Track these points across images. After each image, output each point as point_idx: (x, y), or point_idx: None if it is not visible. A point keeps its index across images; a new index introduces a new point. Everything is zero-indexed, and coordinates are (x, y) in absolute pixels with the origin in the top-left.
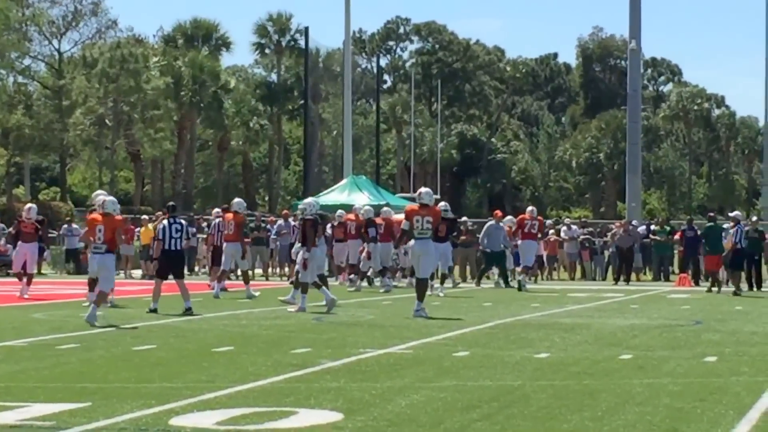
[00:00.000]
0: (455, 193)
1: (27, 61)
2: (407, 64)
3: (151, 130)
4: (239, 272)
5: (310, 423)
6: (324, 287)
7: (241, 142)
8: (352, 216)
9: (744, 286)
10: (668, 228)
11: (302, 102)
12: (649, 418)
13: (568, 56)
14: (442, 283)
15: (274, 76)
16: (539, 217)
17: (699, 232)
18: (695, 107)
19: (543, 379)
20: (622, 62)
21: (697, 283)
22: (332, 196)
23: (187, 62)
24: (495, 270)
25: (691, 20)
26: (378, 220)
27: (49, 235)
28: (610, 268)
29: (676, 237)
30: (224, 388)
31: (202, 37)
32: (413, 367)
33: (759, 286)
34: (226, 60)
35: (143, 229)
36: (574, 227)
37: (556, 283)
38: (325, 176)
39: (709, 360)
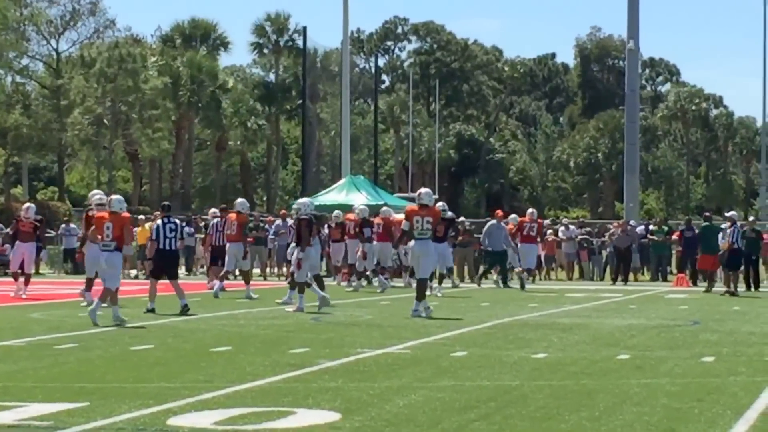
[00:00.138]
0: (453, 193)
1: (25, 61)
2: (405, 64)
3: (149, 129)
4: (237, 272)
5: (308, 423)
6: (314, 286)
7: (239, 142)
8: (351, 216)
9: (741, 286)
10: (666, 228)
11: (300, 102)
12: (647, 418)
13: (566, 56)
14: (440, 283)
15: (272, 76)
16: (539, 220)
17: (698, 232)
18: (693, 107)
19: (541, 379)
20: (620, 62)
21: (695, 284)
22: (330, 196)
23: (185, 62)
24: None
25: (689, 20)
26: (377, 220)
27: (48, 234)
28: (608, 268)
29: (675, 237)
30: (222, 388)
31: (200, 37)
32: (411, 367)
33: (757, 287)
34: (224, 60)
35: (140, 229)
36: (572, 227)
37: (554, 283)
38: (323, 176)
39: (707, 360)
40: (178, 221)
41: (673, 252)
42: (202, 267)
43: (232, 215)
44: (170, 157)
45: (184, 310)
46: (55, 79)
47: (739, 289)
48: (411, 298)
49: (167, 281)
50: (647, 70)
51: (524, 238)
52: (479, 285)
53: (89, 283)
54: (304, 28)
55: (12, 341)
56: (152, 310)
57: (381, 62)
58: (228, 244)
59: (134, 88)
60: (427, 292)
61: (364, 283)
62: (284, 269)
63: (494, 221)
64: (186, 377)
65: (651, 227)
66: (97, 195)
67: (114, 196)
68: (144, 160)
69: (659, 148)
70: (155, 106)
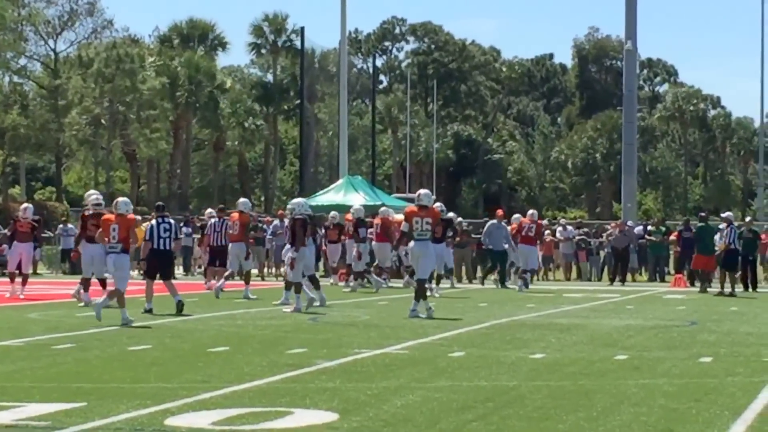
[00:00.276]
0: (451, 194)
1: (23, 61)
2: (403, 65)
3: (147, 130)
4: (234, 272)
5: (305, 423)
6: (304, 287)
7: (236, 143)
8: (350, 217)
9: (739, 287)
10: (664, 228)
11: (298, 102)
12: (645, 419)
13: (564, 57)
14: (437, 283)
15: (269, 77)
16: (539, 221)
17: (693, 233)
18: (691, 108)
19: (538, 379)
20: (618, 63)
21: (692, 284)
22: (328, 196)
23: (183, 62)
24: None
25: (687, 21)
26: (376, 220)
27: (46, 234)
28: (606, 269)
29: (673, 237)
30: (220, 388)
31: (198, 37)
32: (409, 367)
33: (754, 287)
34: (222, 60)
35: (137, 229)
36: (569, 228)
37: (552, 283)
38: (320, 176)
39: (705, 360)
40: (172, 221)
41: (671, 252)
42: (199, 267)
43: (235, 215)
44: (168, 158)
45: (180, 307)
46: (53, 79)
47: (736, 290)
48: (408, 299)
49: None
50: (645, 71)
51: (523, 239)
52: (483, 284)
53: (86, 284)
54: (302, 28)
55: (10, 341)
56: (150, 311)
57: (379, 62)
58: (230, 244)
59: (132, 88)
60: (427, 293)
61: (361, 283)
62: (282, 269)
63: (494, 221)
64: (184, 377)
65: (649, 228)
66: (93, 195)
67: (120, 199)
68: (142, 161)
69: (657, 148)
70: (153, 107)
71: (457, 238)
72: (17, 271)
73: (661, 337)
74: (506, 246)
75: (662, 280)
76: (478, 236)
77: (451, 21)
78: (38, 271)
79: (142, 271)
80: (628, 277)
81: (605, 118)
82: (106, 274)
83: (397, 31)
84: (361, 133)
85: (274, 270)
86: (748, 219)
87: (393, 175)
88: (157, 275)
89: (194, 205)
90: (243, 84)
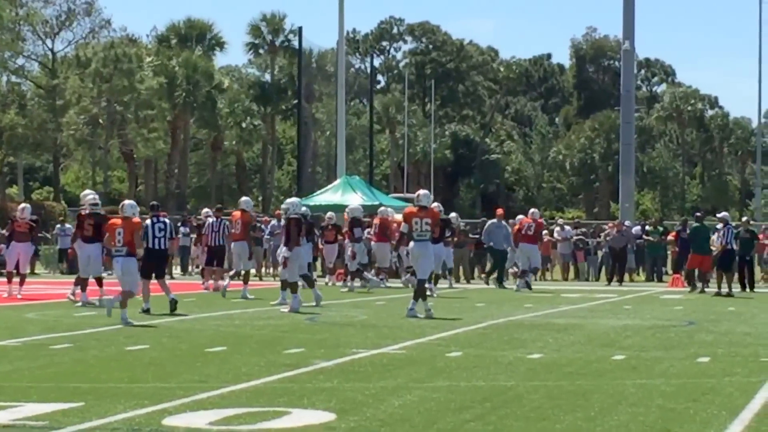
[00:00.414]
0: (449, 194)
1: (20, 61)
2: (401, 65)
3: (145, 130)
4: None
5: (303, 423)
6: (289, 290)
7: (234, 142)
8: (347, 216)
9: (736, 287)
10: (661, 229)
11: (296, 102)
12: (642, 419)
13: (562, 57)
14: (435, 283)
15: (267, 76)
16: (539, 220)
17: (688, 233)
18: (689, 108)
19: (536, 379)
20: (616, 63)
21: (689, 284)
22: (325, 196)
23: (180, 62)
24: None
25: (685, 21)
26: (376, 220)
27: (43, 234)
28: (604, 269)
29: (670, 237)
30: (217, 388)
31: (195, 37)
32: (406, 367)
33: (752, 287)
34: (220, 60)
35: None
36: (567, 228)
37: (550, 283)
38: (318, 176)
39: (702, 361)
40: (167, 221)
41: (669, 252)
42: (197, 267)
43: (237, 214)
44: (166, 157)
45: (173, 305)
46: (51, 79)
47: (734, 290)
48: (406, 299)
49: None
50: (643, 71)
51: (524, 238)
52: (488, 283)
53: (83, 284)
54: (300, 28)
55: (7, 341)
56: (147, 311)
57: (376, 62)
58: (233, 243)
59: (130, 88)
60: (427, 293)
61: (358, 283)
62: (279, 269)
63: (494, 220)
64: (181, 377)
65: (647, 228)
66: (90, 195)
67: (127, 202)
68: (139, 160)
69: (655, 148)
70: (151, 106)
71: (455, 238)
72: (15, 271)
73: (659, 337)
74: (505, 246)
75: (660, 280)
76: (476, 236)
77: (449, 21)
78: (36, 271)
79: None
80: (626, 277)
81: (603, 118)
82: (104, 274)
83: (395, 31)
84: (359, 133)
85: (271, 270)
86: (744, 219)
87: (390, 175)
88: (153, 275)
89: (192, 204)
90: (241, 84)
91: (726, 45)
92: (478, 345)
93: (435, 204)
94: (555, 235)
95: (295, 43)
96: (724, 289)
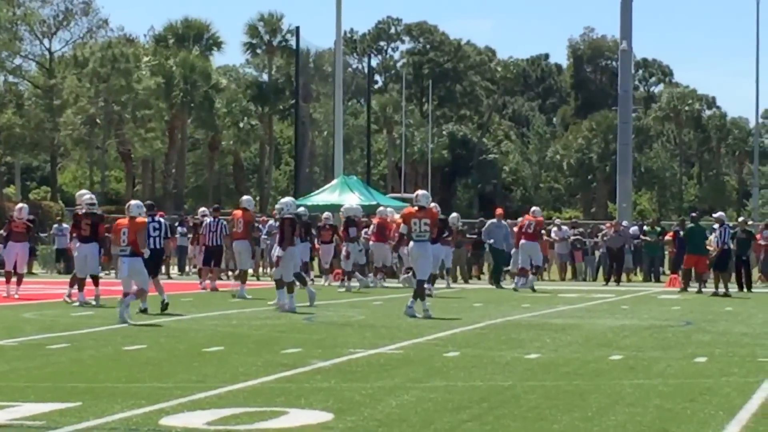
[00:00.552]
0: (446, 194)
1: (18, 61)
2: (398, 65)
3: (142, 129)
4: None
5: (300, 423)
6: (281, 290)
7: (232, 142)
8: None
9: (734, 287)
10: (659, 229)
11: (293, 102)
12: (639, 419)
13: (559, 57)
14: (433, 283)
15: (265, 76)
16: (539, 218)
17: (682, 233)
18: (686, 108)
19: (533, 379)
20: (613, 63)
21: (686, 284)
22: (323, 196)
23: (178, 62)
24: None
25: (682, 21)
26: (375, 220)
27: (40, 234)
28: (601, 269)
29: (668, 237)
30: (214, 388)
31: (193, 36)
32: (403, 367)
33: (749, 287)
34: (217, 60)
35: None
36: (564, 228)
37: (547, 283)
38: (315, 176)
39: (699, 361)
40: (162, 220)
41: (666, 253)
42: (194, 267)
43: (238, 213)
44: (163, 157)
45: (164, 306)
46: (48, 78)
47: (731, 290)
48: (404, 299)
49: (169, 281)
50: (640, 71)
51: (525, 236)
52: (491, 284)
53: (81, 283)
54: (297, 28)
55: (4, 341)
56: (144, 310)
57: (374, 62)
58: (235, 242)
59: (127, 87)
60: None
61: (356, 283)
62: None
63: (494, 220)
64: (178, 377)
65: (644, 228)
66: (87, 195)
67: (133, 202)
68: (137, 160)
69: (652, 148)
70: (148, 106)
71: (450, 238)
72: (12, 272)
73: (656, 337)
74: (507, 246)
75: (657, 280)
76: (473, 236)
77: (447, 21)
78: (33, 271)
79: None
80: (623, 277)
81: (600, 119)
82: (101, 274)
83: (393, 31)
84: (356, 133)
85: (269, 270)
86: (741, 219)
87: (388, 175)
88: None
89: (189, 204)
90: (238, 84)
91: (723, 45)
92: (475, 345)
93: (432, 204)
94: (552, 235)
95: (293, 43)
96: (722, 290)
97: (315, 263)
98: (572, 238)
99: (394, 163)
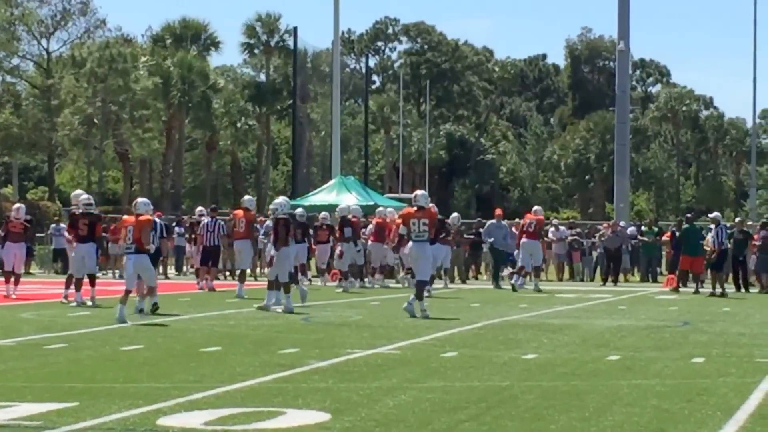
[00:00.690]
0: (443, 194)
1: (15, 61)
2: (396, 65)
3: (140, 129)
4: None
5: (297, 423)
6: (274, 290)
7: (229, 142)
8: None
9: (731, 287)
10: (656, 229)
11: (291, 102)
12: (637, 419)
13: (557, 57)
14: (431, 283)
15: (262, 77)
16: (539, 217)
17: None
18: (683, 108)
19: (531, 379)
20: (611, 63)
21: (684, 284)
22: (320, 196)
23: (175, 62)
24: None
25: (680, 22)
26: (376, 220)
27: (38, 234)
28: (599, 269)
29: (665, 238)
30: (212, 388)
31: (190, 37)
32: (401, 367)
33: (746, 288)
34: (215, 60)
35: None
36: (562, 228)
37: (545, 283)
38: (313, 176)
39: (697, 361)
40: (158, 220)
41: (663, 253)
42: (192, 267)
43: (239, 212)
44: (161, 157)
45: (154, 307)
46: (46, 78)
47: (728, 290)
48: (401, 299)
49: (171, 281)
50: (638, 71)
51: (526, 235)
52: (498, 285)
53: (78, 283)
54: (295, 28)
55: (1, 341)
56: (141, 311)
57: (371, 63)
58: (236, 242)
59: (125, 88)
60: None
61: (357, 283)
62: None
63: (494, 220)
64: (176, 377)
65: (642, 228)
66: (83, 195)
67: (140, 199)
68: (134, 160)
69: (650, 149)
70: (146, 106)
71: (449, 238)
72: (11, 272)
73: (654, 337)
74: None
75: (654, 280)
76: (470, 236)
77: (444, 21)
78: (30, 271)
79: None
80: (621, 277)
81: (598, 119)
82: (99, 273)
83: (390, 31)
84: (354, 133)
85: (266, 270)
86: (738, 219)
87: (385, 175)
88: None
89: (187, 204)
90: (236, 84)
91: (721, 45)
92: (473, 345)
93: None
94: (550, 235)
95: (290, 44)
96: (719, 290)
97: (312, 263)
98: (570, 238)
99: (391, 164)
